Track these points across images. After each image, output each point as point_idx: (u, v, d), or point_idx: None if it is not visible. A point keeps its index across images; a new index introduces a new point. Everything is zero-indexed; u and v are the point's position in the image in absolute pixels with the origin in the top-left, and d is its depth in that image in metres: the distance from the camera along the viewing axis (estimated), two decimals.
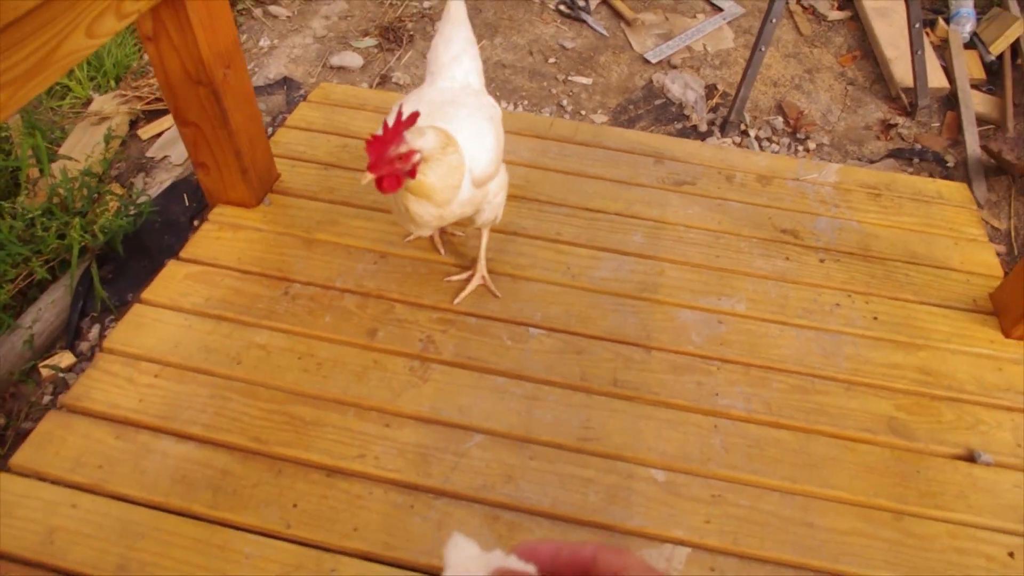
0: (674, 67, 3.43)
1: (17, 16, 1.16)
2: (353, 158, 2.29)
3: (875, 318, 1.98)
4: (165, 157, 3.08)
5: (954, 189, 2.44)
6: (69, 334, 2.30)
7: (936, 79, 3.37)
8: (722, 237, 2.14)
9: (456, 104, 1.65)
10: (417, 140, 1.43)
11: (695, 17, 3.69)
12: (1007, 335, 1.94)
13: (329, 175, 2.23)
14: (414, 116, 1.41)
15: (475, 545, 0.45)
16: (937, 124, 3.24)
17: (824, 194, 2.33)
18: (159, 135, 3.18)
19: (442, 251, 2.04)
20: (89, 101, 3.27)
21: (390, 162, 1.42)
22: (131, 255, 2.36)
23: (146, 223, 2.54)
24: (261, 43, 3.52)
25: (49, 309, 2.36)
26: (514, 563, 0.42)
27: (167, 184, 2.87)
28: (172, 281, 1.90)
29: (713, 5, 3.75)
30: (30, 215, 2.56)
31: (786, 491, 1.59)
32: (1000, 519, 1.57)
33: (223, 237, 2.03)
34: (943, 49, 3.55)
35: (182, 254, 1.99)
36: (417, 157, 1.44)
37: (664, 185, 2.31)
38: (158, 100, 3.31)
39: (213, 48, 1.78)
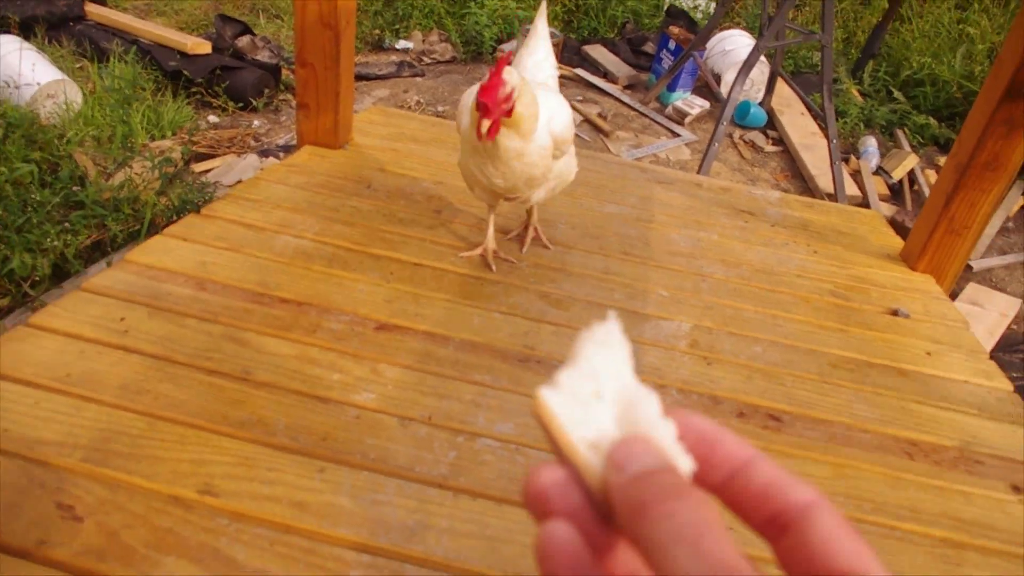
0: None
1: None
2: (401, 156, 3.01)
3: (815, 252, 2.71)
4: (217, 181, 3.79)
5: (871, 213, 3.29)
6: None
7: (851, 190, 4.36)
8: (697, 209, 2.90)
9: (537, 85, 1.84)
10: (512, 77, 1.60)
11: (659, 138, 4.70)
12: (911, 267, 2.69)
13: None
14: (508, 55, 1.64)
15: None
16: None
17: (771, 199, 3.14)
18: (208, 171, 3.90)
19: (494, 267, 2.14)
20: (145, 146, 4.00)
21: (499, 105, 1.58)
22: None
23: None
24: None
25: None
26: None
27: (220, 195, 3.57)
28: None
29: (672, 132, 4.79)
30: (107, 189, 3.23)
31: (757, 311, 2.22)
32: (916, 337, 2.22)
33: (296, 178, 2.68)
34: (857, 177, 4.59)
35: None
36: (516, 92, 1.60)
37: (648, 180, 3.09)
38: (210, 149, 4.06)
39: (344, 2, 2.57)
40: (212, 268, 1.93)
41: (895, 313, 2.35)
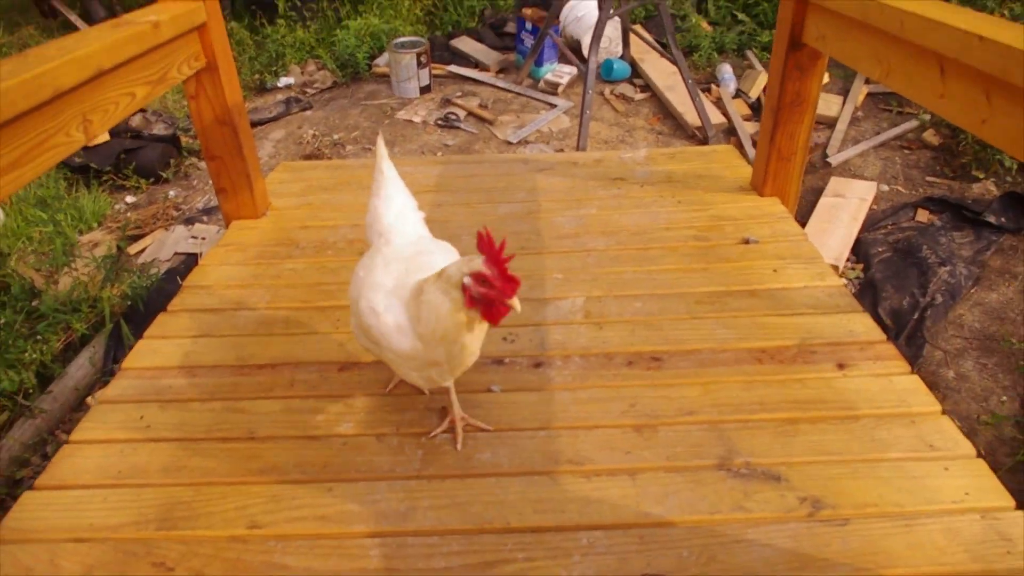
0: (530, 143, 4.93)
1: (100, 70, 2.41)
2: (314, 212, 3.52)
3: (679, 202, 3.32)
4: (154, 259, 4.25)
5: (725, 149, 3.91)
6: (105, 373, 3.37)
7: (716, 118, 4.98)
8: (576, 187, 3.47)
9: (426, 252, 1.80)
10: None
11: (539, 113, 5.27)
12: (760, 194, 3.32)
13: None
14: (504, 243, 1.49)
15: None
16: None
17: (639, 159, 3.74)
18: (143, 250, 4.36)
19: (427, 391, 2.18)
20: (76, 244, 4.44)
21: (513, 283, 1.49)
22: (149, 314, 3.39)
23: (156, 291, 3.69)
24: None
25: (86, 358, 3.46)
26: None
27: (164, 269, 4.04)
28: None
29: (550, 104, 5.35)
30: (62, 296, 3.71)
31: (635, 270, 2.79)
32: (764, 258, 2.83)
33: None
34: (720, 104, 5.21)
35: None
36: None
37: (531, 171, 3.66)
38: (137, 230, 4.51)
39: (232, 100, 3.06)
40: (195, 356, 2.45)
41: (746, 242, 2.97)
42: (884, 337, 2.37)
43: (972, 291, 3.90)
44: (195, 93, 2.96)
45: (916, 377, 2.21)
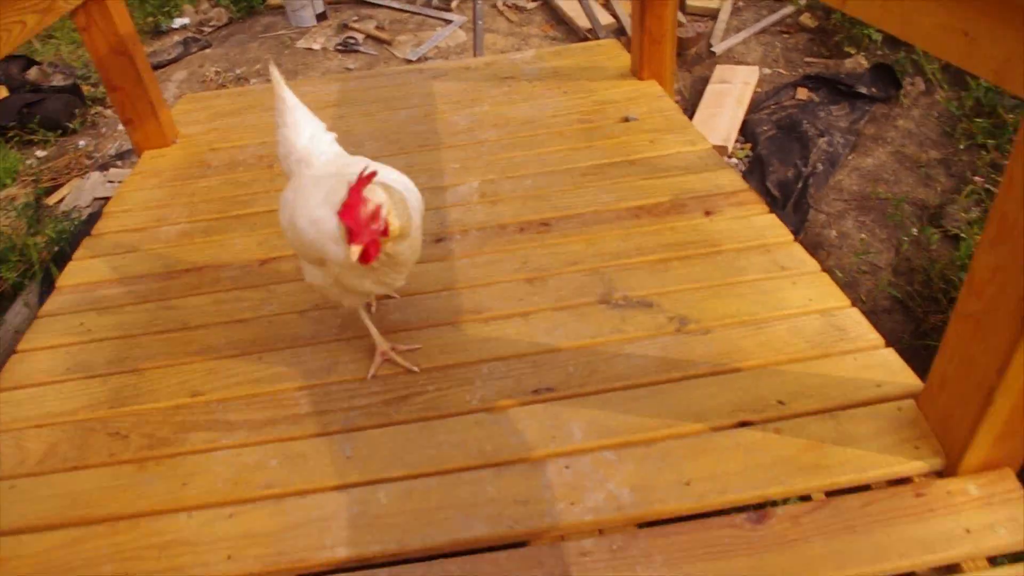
0: (429, 59, 5.11)
1: None
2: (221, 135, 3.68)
3: (565, 92, 3.58)
4: (75, 207, 4.36)
5: (608, 42, 4.16)
6: None
7: (606, 19, 5.21)
8: (469, 89, 3.70)
9: (352, 165, 1.79)
10: (375, 195, 1.51)
11: (436, 30, 5.43)
12: (639, 78, 3.59)
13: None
14: (373, 174, 1.52)
15: None
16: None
17: (527, 58, 3.98)
18: (61, 200, 4.46)
19: (406, 362, 2.09)
20: None
21: (367, 226, 1.50)
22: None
23: (80, 234, 3.82)
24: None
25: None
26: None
27: (86, 215, 4.15)
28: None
29: (446, 20, 5.52)
30: None
31: (525, 154, 3.04)
32: (642, 132, 3.12)
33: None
34: (609, 6, 5.43)
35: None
36: (384, 210, 1.52)
37: (427, 78, 3.87)
38: (53, 181, 4.59)
39: (124, 29, 3.19)
40: (124, 269, 2.65)
41: (626, 120, 3.26)
42: (747, 187, 2.69)
43: (849, 158, 4.26)
44: (86, 25, 3.08)
45: (773, 216, 2.53)
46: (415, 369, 2.06)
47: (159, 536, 1.71)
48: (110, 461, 1.91)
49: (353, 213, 1.49)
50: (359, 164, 1.80)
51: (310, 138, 1.96)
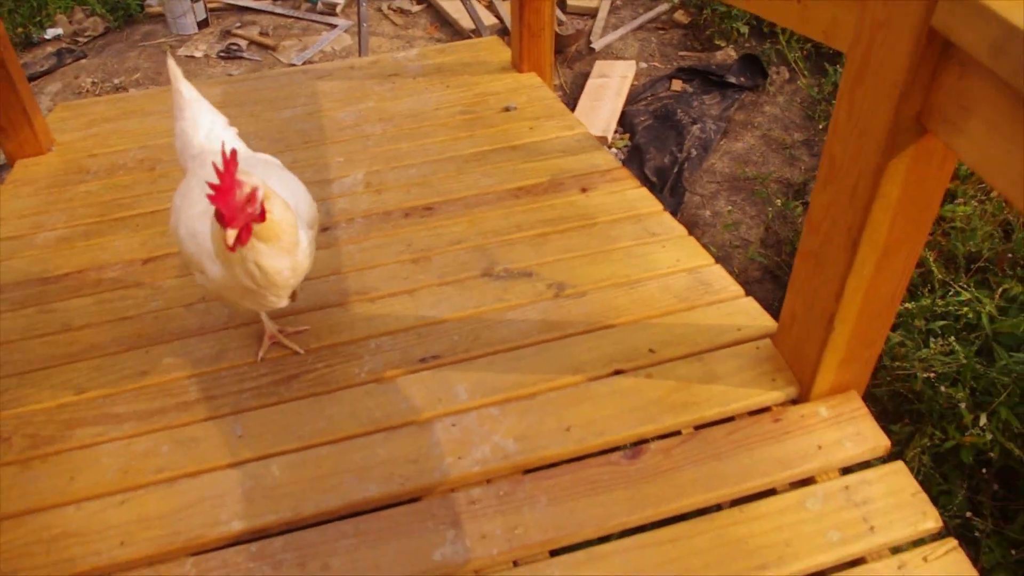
0: (314, 63, 5.13)
1: None
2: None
3: (447, 86, 3.67)
4: None
5: (490, 39, 4.28)
6: None
7: (489, 20, 5.32)
8: (354, 87, 3.75)
9: (248, 169, 1.62)
10: (251, 178, 1.45)
11: (320, 35, 5.46)
12: (519, 71, 3.71)
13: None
14: (235, 152, 1.43)
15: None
16: None
17: (411, 56, 4.06)
18: None
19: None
20: None
21: (242, 209, 1.43)
22: None
23: None
24: None
25: None
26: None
27: None
28: None
29: (330, 25, 5.55)
30: None
31: (410, 145, 3.11)
32: (522, 120, 3.24)
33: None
34: (492, 8, 5.56)
35: None
36: (260, 193, 1.46)
37: (311, 78, 3.90)
38: None
39: None
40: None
41: (506, 109, 3.37)
42: (620, 165, 2.83)
43: (721, 143, 4.49)
44: None
45: (644, 190, 2.67)
46: (301, 351, 2.10)
47: (47, 531, 1.71)
48: None
49: (227, 198, 1.42)
50: (258, 166, 1.78)
51: (207, 135, 1.91)
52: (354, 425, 1.85)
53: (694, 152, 4.36)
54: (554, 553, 1.60)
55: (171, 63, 2.03)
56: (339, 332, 2.13)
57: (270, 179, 1.63)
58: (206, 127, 1.93)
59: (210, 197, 1.41)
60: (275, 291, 1.66)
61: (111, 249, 2.64)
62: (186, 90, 1.96)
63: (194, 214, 1.69)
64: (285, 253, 1.59)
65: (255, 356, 2.08)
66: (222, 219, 1.44)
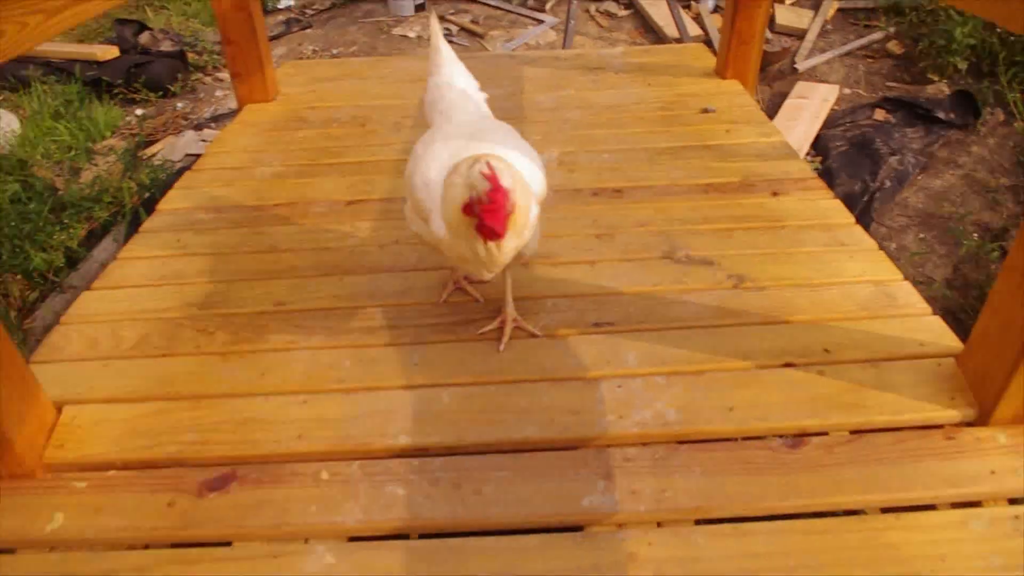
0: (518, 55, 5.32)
1: None
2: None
3: (649, 84, 3.73)
4: (167, 161, 4.65)
5: (695, 46, 4.31)
6: None
7: (695, 31, 5.36)
8: (557, 75, 3.88)
9: (488, 131, 1.77)
10: (506, 181, 1.43)
11: (527, 28, 5.65)
12: (722, 77, 3.73)
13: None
14: (508, 172, 1.46)
15: None
16: None
17: (615, 54, 4.16)
18: (155, 154, 4.77)
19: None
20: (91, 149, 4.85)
21: (508, 217, 1.46)
22: None
23: (171, 185, 4.10)
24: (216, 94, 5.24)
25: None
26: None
27: (177, 168, 4.43)
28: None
29: (538, 20, 5.74)
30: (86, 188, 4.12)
31: (605, 132, 3.20)
32: (720, 123, 3.26)
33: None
34: (699, 19, 5.59)
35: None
36: (514, 196, 1.45)
37: (517, 63, 4.06)
38: (149, 137, 4.90)
39: None
40: (219, 199, 2.87)
41: (705, 111, 3.39)
42: (815, 176, 2.80)
43: (918, 178, 4.31)
44: None
45: (838, 202, 2.64)
46: (480, 299, 2.20)
47: (237, 414, 1.88)
48: (196, 352, 2.10)
49: (500, 217, 1.45)
50: (497, 131, 1.81)
51: (460, 93, 1.97)
52: (523, 371, 1.93)
53: (888, 183, 4.22)
54: (699, 523, 1.61)
55: (433, 21, 2.10)
56: (519, 288, 2.22)
57: (508, 147, 1.69)
58: (460, 86, 2.00)
59: (483, 214, 1.45)
60: (493, 267, 1.65)
61: (319, 189, 2.86)
62: (445, 50, 2.03)
63: (434, 165, 1.69)
64: (516, 236, 1.56)
65: (438, 297, 2.20)
66: (490, 234, 1.49)
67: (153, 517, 1.65)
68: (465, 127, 1.83)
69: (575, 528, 1.60)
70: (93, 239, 4.16)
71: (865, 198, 4.09)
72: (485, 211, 1.43)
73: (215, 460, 1.76)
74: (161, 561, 1.58)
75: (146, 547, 1.62)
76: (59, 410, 1.87)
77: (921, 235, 3.88)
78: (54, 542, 1.63)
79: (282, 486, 1.70)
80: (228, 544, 1.61)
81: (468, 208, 1.47)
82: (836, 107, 4.79)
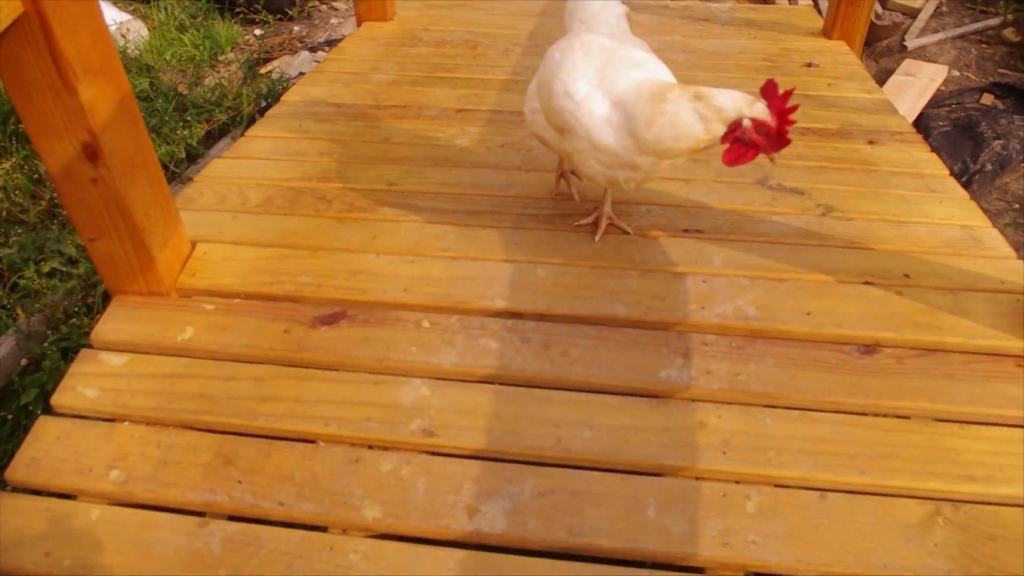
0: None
1: None
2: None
3: (754, 37, 3.80)
4: (282, 74, 4.87)
5: (804, 7, 4.34)
6: None
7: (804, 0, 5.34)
8: (663, 22, 3.97)
9: (627, 47, 1.87)
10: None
11: None
12: (829, 37, 3.77)
13: None
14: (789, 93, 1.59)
15: None
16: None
17: (723, 8, 4.21)
18: (271, 71, 4.98)
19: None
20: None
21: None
22: None
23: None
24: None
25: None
26: None
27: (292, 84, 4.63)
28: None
29: None
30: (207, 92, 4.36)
31: (708, 76, 3.26)
32: (822, 77, 3.31)
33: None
34: None
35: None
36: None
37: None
38: (266, 54, 5.13)
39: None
40: (340, 96, 3.06)
41: (809, 65, 3.45)
42: (914, 131, 2.84)
43: (1022, 164, 4.28)
44: None
45: (935, 156, 2.68)
46: (576, 198, 2.34)
47: (350, 265, 2.06)
48: (314, 215, 2.29)
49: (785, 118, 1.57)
50: (636, 48, 1.91)
51: (603, 5, 2.01)
52: (615, 260, 2.07)
53: (989, 167, 4.20)
54: (767, 407, 1.73)
55: None
56: (616, 194, 2.35)
57: (651, 65, 1.83)
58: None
59: (781, 127, 1.59)
60: (652, 180, 1.80)
61: (431, 96, 3.02)
62: None
63: (574, 74, 1.72)
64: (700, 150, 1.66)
65: (538, 194, 2.35)
66: (777, 141, 1.60)
67: (271, 339, 1.84)
68: (603, 40, 1.85)
69: (652, 396, 1.72)
70: (211, 139, 4.41)
71: (964, 179, 4.09)
72: (785, 124, 1.58)
73: (328, 301, 1.94)
74: (277, 375, 1.77)
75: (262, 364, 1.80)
76: (193, 246, 2.07)
77: (1019, 220, 3.87)
78: (185, 350, 1.82)
79: (387, 328, 1.87)
80: (335, 370, 1.78)
81: (730, 138, 1.59)
82: (943, 88, 4.75)
